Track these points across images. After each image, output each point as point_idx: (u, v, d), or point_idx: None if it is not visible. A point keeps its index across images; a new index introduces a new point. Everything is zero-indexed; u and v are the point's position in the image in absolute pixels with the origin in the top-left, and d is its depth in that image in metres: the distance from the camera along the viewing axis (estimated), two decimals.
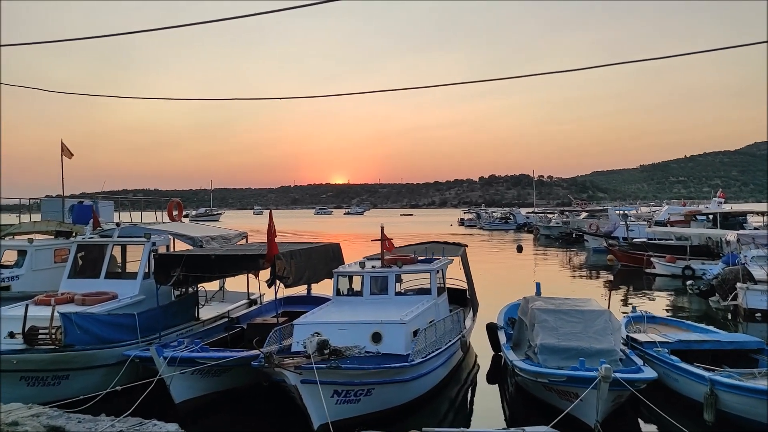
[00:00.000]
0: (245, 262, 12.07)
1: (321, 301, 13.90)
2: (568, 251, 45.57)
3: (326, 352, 8.81)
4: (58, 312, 10.02)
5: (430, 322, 10.99)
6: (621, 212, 49.70)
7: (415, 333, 10.21)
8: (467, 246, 16.42)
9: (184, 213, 21.89)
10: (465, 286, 15.49)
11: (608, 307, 11.05)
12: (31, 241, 15.31)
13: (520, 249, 46.29)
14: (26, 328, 9.88)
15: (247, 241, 16.82)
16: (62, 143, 18.54)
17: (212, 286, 15.99)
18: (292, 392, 8.60)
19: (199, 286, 14.00)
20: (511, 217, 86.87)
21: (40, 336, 9.89)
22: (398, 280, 12.91)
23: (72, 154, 18.91)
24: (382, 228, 13.15)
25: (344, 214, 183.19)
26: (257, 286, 15.55)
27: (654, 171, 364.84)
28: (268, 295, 15.66)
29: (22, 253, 14.93)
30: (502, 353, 11.92)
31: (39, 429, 6.86)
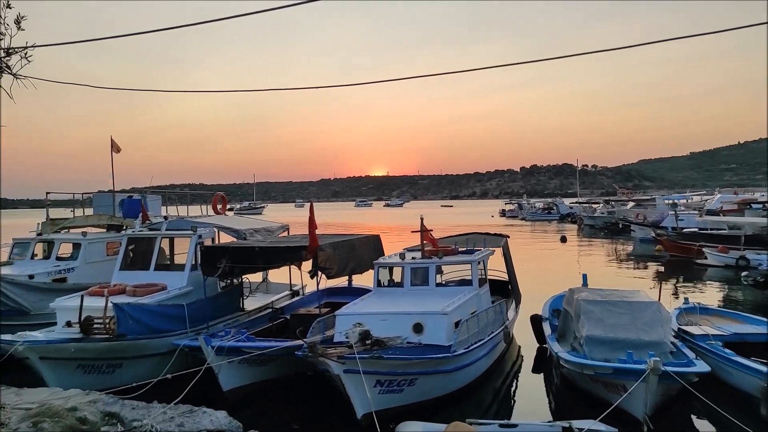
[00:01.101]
0: (288, 254, 12.25)
1: (362, 292, 13.99)
2: (614, 242, 44.34)
3: (368, 342, 8.87)
4: (111, 303, 10.44)
5: (472, 313, 10.91)
6: (670, 201, 47.96)
7: (457, 324, 10.16)
8: (509, 237, 16.19)
9: (228, 206, 22.38)
10: (507, 277, 15.30)
11: (658, 299, 10.70)
12: (84, 234, 15.98)
13: (563, 240, 45.35)
14: (82, 318, 10.33)
15: (289, 234, 17.08)
16: (111, 139, 19.24)
17: (256, 277, 16.33)
18: (335, 382, 8.71)
19: (243, 277, 14.31)
20: (554, 208, 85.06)
21: (95, 326, 10.32)
22: (439, 271, 12.86)
23: (120, 149, 19.59)
24: (422, 219, 13.10)
25: (384, 206, 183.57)
26: (299, 277, 15.77)
27: (703, 158, 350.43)
28: (310, 287, 15.88)
29: (76, 246, 15.60)
30: (547, 345, 11.73)
31: (96, 414, 7.19)
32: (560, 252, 37.72)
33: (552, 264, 31.93)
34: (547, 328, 12.05)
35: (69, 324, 10.67)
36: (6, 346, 9.75)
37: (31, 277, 13.70)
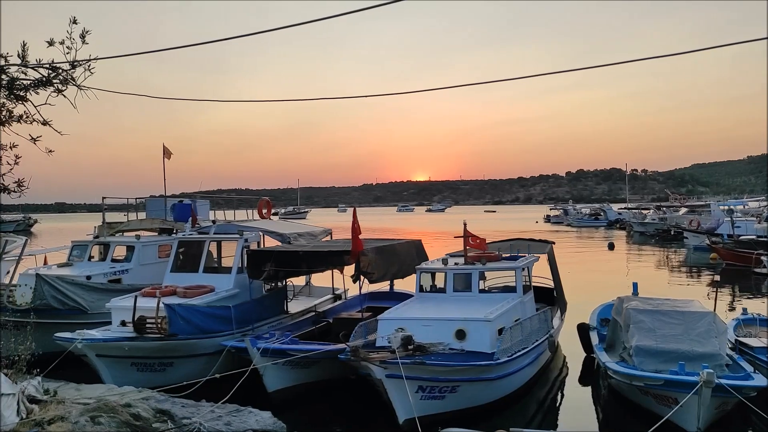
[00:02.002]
0: (331, 258, 12.38)
1: (404, 297, 14.00)
2: (665, 249, 42.76)
3: (410, 347, 8.88)
4: (163, 303, 10.83)
5: (516, 320, 10.76)
6: (726, 207, 45.90)
7: (501, 331, 10.03)
8: (554, 243, 15.88)
9: (273, 211, 22.83)
10: (552, 284, 15.00)
11: (713, 309, 10.27)
12: (138, 237, 16.63)
13: (611, 247, 44.05)
14: (136, 318, 10.75)
15: (331, 238, 17.28)
16: (164, 146, 19.98)
17: (299, 281, 16.58)
18: (377, 386, 8.75)
19: (287, 280, 14.56)
20: (602, 214, 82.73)
21: (147, 325, 10.73)
22: (482, 277, 12.74)
23: (171, 154, 20.31)
24: (465, 225, 13.02)
25: (426, 211, 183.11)
26: (341, 281, 15.92)
27: (762, 162, 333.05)
28: (352, 291, 16.01)
29: (130, 249, 16.25)
30: (594, 355, 11.44)
31: (149, 411, 7.46)
32: (608, 259, 36.66)
33: (599, 271, 31.07)
34: (594, 338, 11.74)
35: (123, 323, 11.13)
36: (66, 344, 10.26)
37: (88, 277, 14.35)
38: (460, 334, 9.81)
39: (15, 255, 15.49)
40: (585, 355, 12.79)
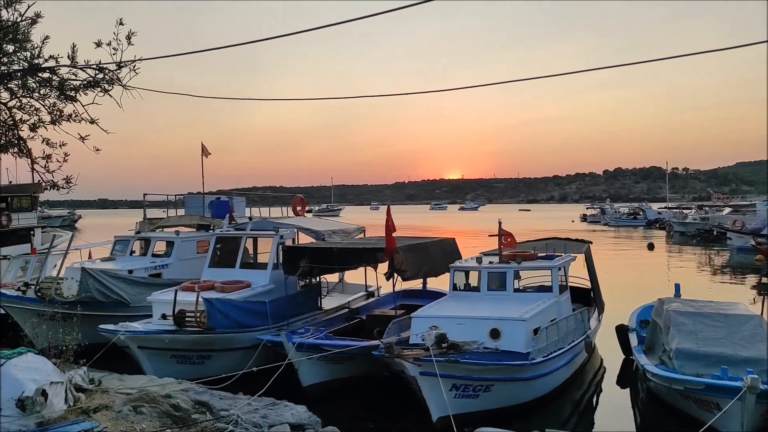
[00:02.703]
0: (365, 255, 12.46)
1: (436, 295, 13.97)
2: (708, 250, 41.41)
3: (444, 345, 8.87)
4: (202, 298, 11.10)
5: (552, 320, 10.61)
6: None
7: (536, 331, 9.91)
8: (591, 242, 15.59)
9: (307, 208, 23.10)
10: (589, 284, 14.73)
11: (761, 313, 9.91)
12: (177, 233, 17.06)
13: (651, 247, 42.91)
14: (176, 311, 11.05)
15: (365, 236, 17.36)
16: (202, 144, 20.44)
17: (332, 277, 16.72)
18: (411, 383, 8.77)
19: (321, 277, 14.71)
20: (641, 213, 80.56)
21: (187, 319, 11.01)
22: (516, 276, 12.60)
23: (209, 153, 20.75)
24: (500, 223, 12.90)
25: (459, 209, 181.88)
26: (374, 278, 15.99)
27: None
28: (384, 288, 16.06)
29: (170, 244, 16.67)
30: (633, 357, 11.19)
31: (188, 402, 7.66)
32: (647, 260, 35.74)
33: (638, 272, 30.32)
34: (633, 339, 11.49)
35: (164, 316, 11.45)
36: (109, 335, 10.63)
37: (130, 272, 14.79)
38: (495, 333, 9.74)
39: (62, 249, 16.09)
40: (623, 357, 12.52)
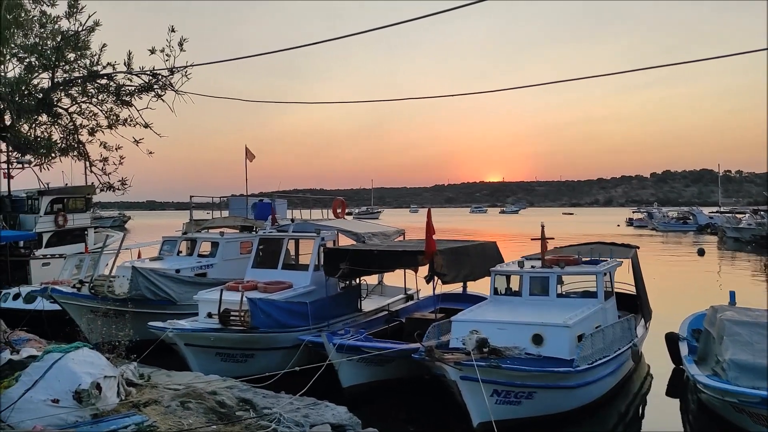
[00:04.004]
0: (405, 258, 12.47)
1: (477, 299, 13.84)
2: (763, 257, 39.53)
3: (485, 350, 8.77)
4: (246, 297, 11.35)
5: (597, 327, 10.36)
6: None
7: (580, 338, 9.69)
8: (638, 248, 15.13)
9: (346, 211, 23.29)
10: (635, 291, 14.29)
11: None
12: (222, 234, 17.50)
13: (701, 253, 41.29)
14: (221, 310, 11.33)
15: (404, 238, 17.37)
16: (246, 148, 20.91)
17: (371, 280, 16.79)
18: (451, 387, 8.72)
19: (360, 279, 14.80)
20: (691, 217, 77.64)
21: (232, 318, 11.28)
22: (560, 281, 12.35)
23: (254, 156, 21.21)
24: (543, 227, 12.68)
25: (499, 212, 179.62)
26: (414, 281, 15.96)
27: None
28: (423, 292, 16.01)
29: (215, 245, 17.13)
30: (683, 366, 10.80)
31: (232, 399, 7.84)
32: (697, 266, 34.40)
33: (687, 279, 29.22)
34: (684, 349, 11.07)
35: (210, 315, 11.76)
36: (158, 332, 10.99)
37: (177, 271, 15.27)
38: (537, 339, 9.57)
39: (114, 249, 16.75)
40: (673, 366, 12.10)
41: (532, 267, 12.23)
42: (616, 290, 13.07)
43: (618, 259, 13.85)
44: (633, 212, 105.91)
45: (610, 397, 10.38)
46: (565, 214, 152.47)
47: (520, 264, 12.60)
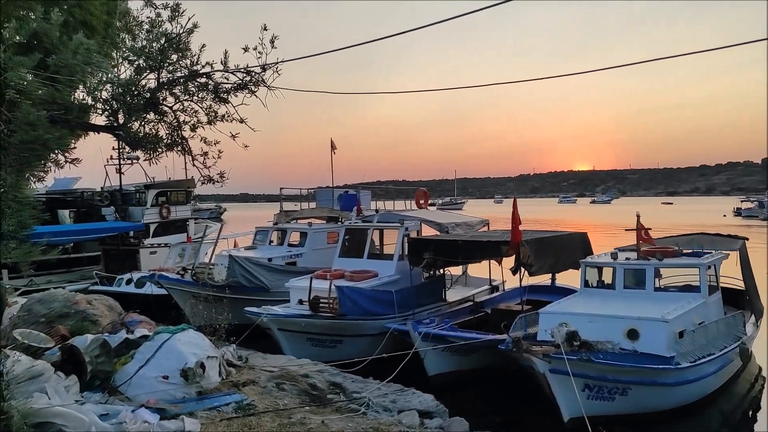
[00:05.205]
0: (489, 249, 12.29)
1: (566, 291, 13.40)
2: None
3: (575, 343, 8.49)
4: (334, 285, 11.72)
5: (699, 323, 9.70)
6: None
7: (681, 334, 9.12)
8: (747, 239, 13.94)
9: (429, 201, 23.29)
10: (743, 286, 13.20)
11: None
12: (310, 224, 18.14)
13: None
14: (311, 298, 11.79)
15: (488, 229, 17.12)
16: (331, 140, 21.42)
17: (456, 270, 16.71)
18: (539, 380, 8.54)
19: (445, 269, 14.78)
20: None
21: (321, 305, 11.71)
22: (657, 274, 11.66)
23: (336, 148, 21.71)
24: (638, 217, 11.99)
25: (590, 202, 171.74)
26: (499, 272, 15.69)
27: None
28: (509, 283, 15.72)
29: (303, 235, 17.79)
30: None
31: (323, 383, 8.17)
32: None
33: None
34: None
35: (300, 302, 12.29)
36: (254, 317, 11.63)
37: (269, 260, 16.03)
38: (632, 334, 9.10)
39: (212, 238, 17.86)
40: None
41: (627, 259, 11.64)
42: (721, 285, 12.16)
43: (723, 252, 12.85)
44: (741, 201, 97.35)
45: (713, 398, 9.71)
46: (664, 203, 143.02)
47: (614, 255, 12.02)
